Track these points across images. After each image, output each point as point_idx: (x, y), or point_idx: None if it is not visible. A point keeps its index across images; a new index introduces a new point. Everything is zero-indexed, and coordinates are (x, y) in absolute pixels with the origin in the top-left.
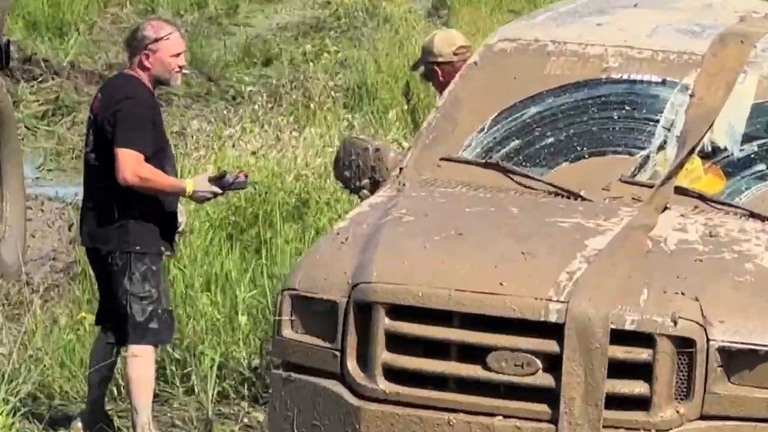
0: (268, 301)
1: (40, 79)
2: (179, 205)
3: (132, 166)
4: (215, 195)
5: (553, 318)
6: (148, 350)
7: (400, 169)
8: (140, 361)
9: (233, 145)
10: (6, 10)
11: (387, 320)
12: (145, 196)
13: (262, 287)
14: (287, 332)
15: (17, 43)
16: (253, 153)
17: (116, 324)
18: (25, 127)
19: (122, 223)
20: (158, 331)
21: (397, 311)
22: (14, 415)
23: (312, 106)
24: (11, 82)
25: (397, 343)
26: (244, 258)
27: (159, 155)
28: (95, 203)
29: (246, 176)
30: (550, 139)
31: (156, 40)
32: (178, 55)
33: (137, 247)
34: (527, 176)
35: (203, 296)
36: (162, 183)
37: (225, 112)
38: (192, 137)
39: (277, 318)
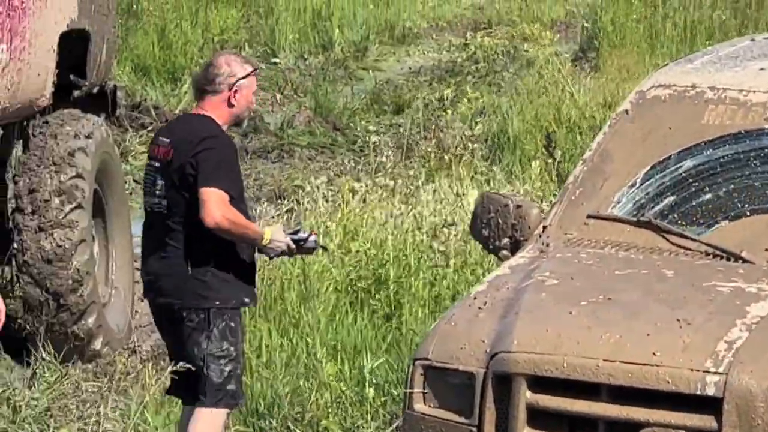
0: (399, 372)
1: (150, 127)
2: None
3: (222, 206)
4: (289, 251)
5: (710, 392)
6: (222, 414)
7: (544, 227)
8: (211, 426)
9: (363, 200)
10: (113, 53)
11: (529, 393)
12: (221, 246)
13: (392, 356)
14: (419, 406)
15: (125, 88)
16: (382, 209)
17: (189, 385)
18: (134, 180)
19: (199, 276)
20: (235, 394)
21: (540, 383)
22: None
23: (446, 157)
24: (119, 131)
25: (539, 418)
26: (373, 324)
27: (240, 199)
28: (165, 255)
29: (316, 237)
30: (708, 195)
31: (245, 77)
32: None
33: (216, 302)
34: (683, 236)
35: (328, 366)
36: (247, 228)
37: (352, 164)
38: (316, 191)
39: (408, 390)
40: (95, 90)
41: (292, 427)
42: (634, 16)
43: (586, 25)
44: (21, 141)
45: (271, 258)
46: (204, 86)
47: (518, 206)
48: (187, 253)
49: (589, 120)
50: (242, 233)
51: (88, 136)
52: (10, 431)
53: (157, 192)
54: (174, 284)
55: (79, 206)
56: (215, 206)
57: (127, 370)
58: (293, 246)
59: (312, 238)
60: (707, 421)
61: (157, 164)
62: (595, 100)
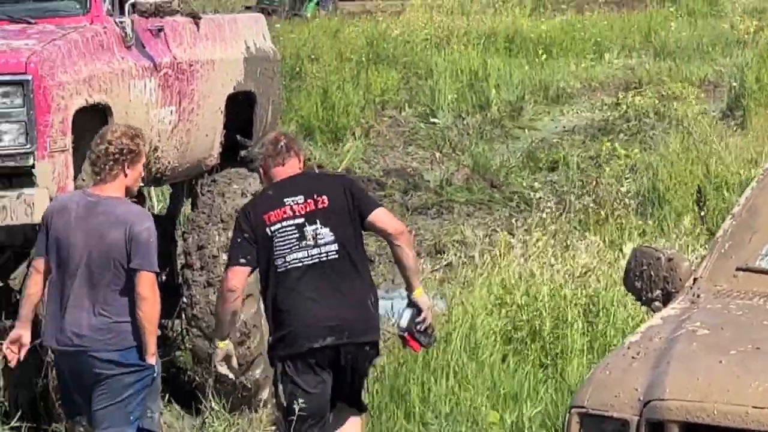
0: (555, 419)
1: None
2: None
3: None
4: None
5: None
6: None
7: (694, 279)
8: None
9: (523, 255)
10: (277, 113)
11: None
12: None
13: (550, 404)
14: None
15: None
16: (544, 263)
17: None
18: None
19: (376, 313)
20: None
21: (692, 430)
22: None
23: (603, 212)
24: None
25: None
26: (531, 374)
27: None
28: (346, 297)
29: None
30: None
31: None
32: None
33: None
34: None
35: (491, 414)
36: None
37: (513, 220)
38: (474, 246)
39: None
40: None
41: None
42: None
43: (733, 84)
44: (190, 199)
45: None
46: (296, 150)
47: (669, 259)
48: (367, 292)
49: (736, 176)
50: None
51: (254, 194)
52: None
53: (322, 242)
54: (363, 322)
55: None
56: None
57: None
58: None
59: (429, 332)
60: None
61: (303, 220)
62: (742, 156)
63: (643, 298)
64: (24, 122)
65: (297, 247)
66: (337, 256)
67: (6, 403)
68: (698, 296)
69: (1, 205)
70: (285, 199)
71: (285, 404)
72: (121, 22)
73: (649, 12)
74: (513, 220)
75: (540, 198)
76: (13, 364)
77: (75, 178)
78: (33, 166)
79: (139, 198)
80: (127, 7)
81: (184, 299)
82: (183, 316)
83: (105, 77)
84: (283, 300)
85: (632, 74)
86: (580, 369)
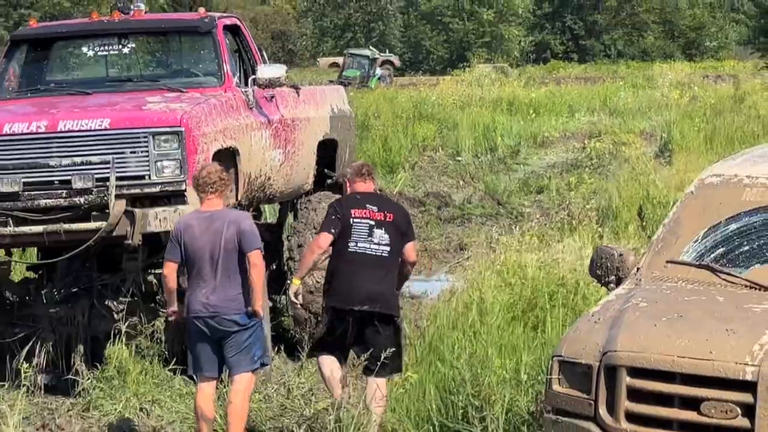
0: (542, 365)
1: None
2: None
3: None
4: None
5: (749, 377)
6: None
7: (637, 269)
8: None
9: (517, 251)
10: (353, 153)
11: (628, 378)
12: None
13: (539, 355)
14: (556, 387)
15: None
16: (535, 256)
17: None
18: None
19: (397, 295)
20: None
21: (636, 372)
22: None
23: (573, 222)
24: None
25: (635, 395)
26: (525, 333)
27: None
28: (377, 278)
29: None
30: (746, 247)
31: None
32: None
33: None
34: (729, 274)
35: (497, 360)
36: None
37: (511, 227)
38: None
39: (548, 377)
40: (341, 180)
41: (471, 399)
42: (696, 129)
43: (663, 134)
44: (292, 212)
45: None
46: (372, 175)
47: (620, 255)
48: (394, 280)
49: (667, 197)
50: None
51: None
52: (286, 405)
53: (381, 243)
54: (386, 299)
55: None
56: (415, 253)
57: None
58: None
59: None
60: (747, 397)
61: (373, 223)
62: (671, 183)
63: (602, 282)
64: (179, 160)
65: (365, 239)
66: (387, 255)
67: (167, 352)
68: (640, 281)
69: (163, 217)
70: (366, 205)
71: (323, 332)
72: (246, 92)
73: (605, 85)
74: (512, 227)
75: (530, 212)
76: (173, 323)
77: None
78: (185, 191)
79: (258, 212)
80: (250, 81)
81: (288, 282)
82: (287, 293)
83: (234, 129)
84: (345, 270)
85: (594, 127)
86: (560, 332)
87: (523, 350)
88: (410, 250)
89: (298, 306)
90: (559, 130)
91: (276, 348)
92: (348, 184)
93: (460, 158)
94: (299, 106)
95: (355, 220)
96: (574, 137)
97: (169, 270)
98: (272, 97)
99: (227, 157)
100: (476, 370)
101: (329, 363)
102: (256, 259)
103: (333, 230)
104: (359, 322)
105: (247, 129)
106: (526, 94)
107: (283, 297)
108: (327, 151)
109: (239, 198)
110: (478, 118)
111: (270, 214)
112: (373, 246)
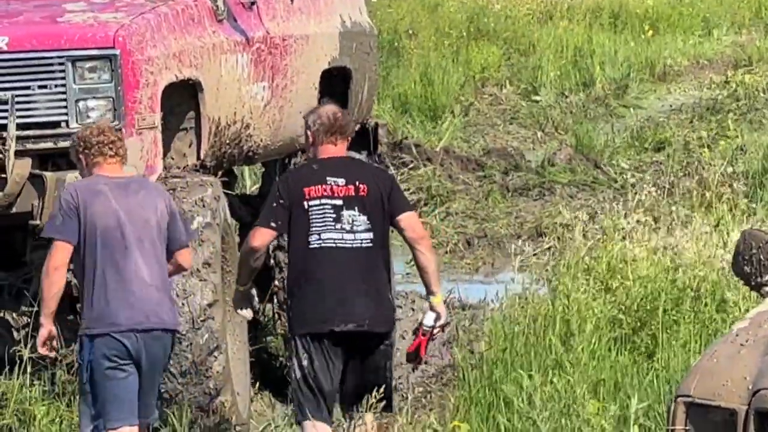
0: (659, 410)
1: (411, 165)
2: None
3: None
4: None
5: None
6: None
7: None
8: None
9: (623, 238)
10: (374, 90)
11: None
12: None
13: (654, 394)
14: None
15: (386, 126)
16: (646, 248)
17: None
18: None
19: (392, 302)
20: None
21: None
22: None
23: (708, 195)
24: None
25: None
26: (635, 362)
27: None
28: (369, 285)
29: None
30: None
31: None
32: None
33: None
34: None
35: (590, 404)
36: None
37: (614, 204)
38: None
39: (670, 428)
40: (357, 128)
41: None
42: None
43: None
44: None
45: None
46: (344, 131)
47: None
48: (387, 282)
49: None
50: None
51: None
52: None
53: (356, 228)
54: (381, 313)
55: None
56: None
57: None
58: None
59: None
60: None
61: (342, 203)
62: None
63: (753, 283)
64: (111, 98)
65: (332, 227)
66: (371, 245)
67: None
68: None
69: None
70: (327, 178)
71: (298, 378)
72: None
73: None
74: (615, 204)
75: (639, 180)
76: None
77: (164, 156)
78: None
79: (230, 177)
80: None
81: (276, 282)
82: (275, 300)
83: (196, 52)
84: (311, 277)
85: (742, 51)
86: (687, 360)
87: (630, 388)
88: (408, 221)
89: (249, 316)
90: (689, 56)
91: (256, 385)
92: (310, 141)
93: (537, 98)
94: (293, 18)
95: (312, 202)
96: (711, 67)
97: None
98: (253, 3)
99: (184, 94)
100: (559, 421)
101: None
102: (187, 256)
103: (275, 224)
104: (344, 348)
105: (215, 52)
106: (639, 0)
107: (269, 305)
108: (335, 85)
109: (202, 156)
110: (565, 38)
111: (250, 180)
112: (346, 236)
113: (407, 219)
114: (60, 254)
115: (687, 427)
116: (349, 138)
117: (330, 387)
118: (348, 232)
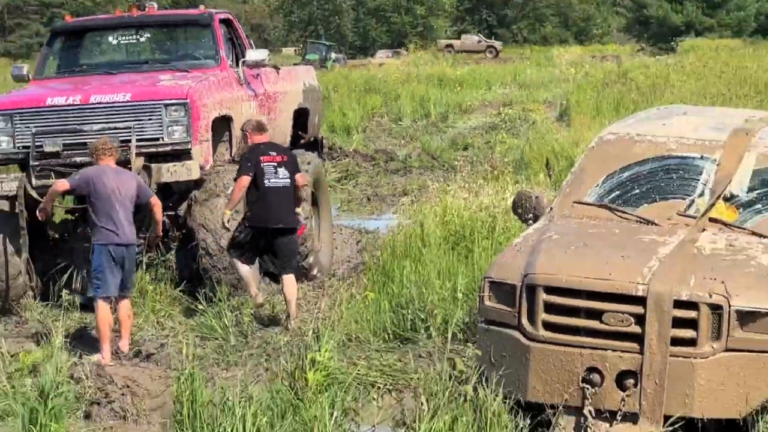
0: (474, 285)
1: (337, 158)
2: None
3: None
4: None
5: (640, 293)
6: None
7: (550, 208)
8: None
9: (452, 196)
10: (320, 120)
11: (544, 295)
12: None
13: (472, 277)
14: (486, 302)
15: (324, 138)
16: (464, 199)
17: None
18: (330, 186)
19: (296, 213)
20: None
21: (550, 290)
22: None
23: (495, 172)
24: (322, 161)
25: (550, 308)
26: (459, 260)
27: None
28: (286, 203)
29: None
30: (636, 191)
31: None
32: None
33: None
34: (624, 212)
35: (437, 282)
36: None
37: (445, 179)
38: (426, 189)
39: (480, 294)
40: (312, 140)
41: (417, 312)
42: (588, 98)
43: (562, 102)
44: None
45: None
46: (261, 129)
47: (536, 197)
48: (294, 203)
49: (567, 152)
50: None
51: (309, 163)
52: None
53: (281, 177)
54: (289, 216)
55: (306, 201)
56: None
57: (330, 285)
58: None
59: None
60: (639, 309)
61: (275, 164)
62: (569, 141)
63: (522, 219)
64: (185, 125)
65: (273, 176)
66: (288, 184)
67: (177, 277)
68: (553, 218)
69: (174, 170)
70: (269, 151)
71: (240, 240)
72: (237, 71)
73: (515, 65)
74: (445, 179)
75: (459, 165)
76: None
77: (213, 155)
78: (190, 149)
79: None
80: (240, 62)
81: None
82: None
83: (229, 100)
84: (261, 200)
85: (506, 97)
86: (488, 259)
87: (458, 274)
88: (300, 178)
89: (229, 230)
90: (479, 99)
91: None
92: (249, 136)
93: (401, 122)
94: (279, 82)
95: (265, 163)
96: (491, 105)
97: (61, 188)
98: (258, 75)
99: (223, 123)
100: (421, 289)
101: (245, 264)
102: (156, 201)
103: (250, 173)
104: (272, 235)
105: (239, 100)
106: (452, 72)
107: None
108: (301, 118)
109: (233, 155)
110: (415, 91)
111: None
112: (280, 180)
113: (300, 176)
114: (60, 186)
115: (490, 294)
116: (267, 132)
117: (255, 252)
118: (280, 178)
